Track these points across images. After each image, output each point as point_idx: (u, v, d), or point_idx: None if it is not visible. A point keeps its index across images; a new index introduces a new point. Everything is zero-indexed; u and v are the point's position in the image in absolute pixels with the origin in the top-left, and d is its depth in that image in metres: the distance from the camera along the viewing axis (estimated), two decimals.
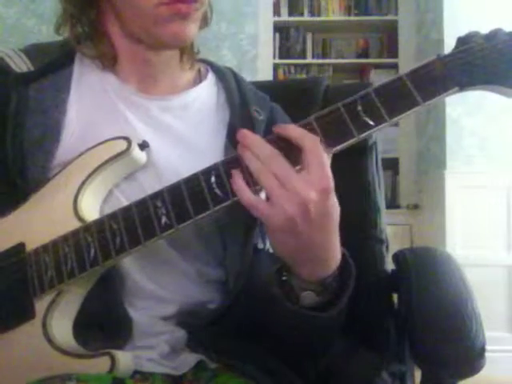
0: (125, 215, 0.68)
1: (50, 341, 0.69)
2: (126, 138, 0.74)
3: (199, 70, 0.90)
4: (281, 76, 3.64)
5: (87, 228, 0.69)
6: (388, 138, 3.21)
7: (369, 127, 0.62)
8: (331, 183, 0.60)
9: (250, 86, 0.92)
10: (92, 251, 0.68)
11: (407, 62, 3.39)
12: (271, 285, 0.68)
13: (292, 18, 3.68)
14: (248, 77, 0.98)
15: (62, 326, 0.71)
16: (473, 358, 0.76)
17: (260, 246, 0.82)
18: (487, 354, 0.76)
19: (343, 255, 0.68)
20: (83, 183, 0.73)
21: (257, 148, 0.62)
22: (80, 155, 0.75)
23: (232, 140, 0.80)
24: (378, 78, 3.41)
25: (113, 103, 0.80)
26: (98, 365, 0.66)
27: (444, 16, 2.83)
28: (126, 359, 0.68)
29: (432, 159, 3.05)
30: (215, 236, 0.79)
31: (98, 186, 0.74)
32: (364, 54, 3.74)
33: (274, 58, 3.61)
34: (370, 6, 3.67)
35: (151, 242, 0.67)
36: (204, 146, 0.81)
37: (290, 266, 0.66)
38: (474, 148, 2.77)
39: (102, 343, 0.70)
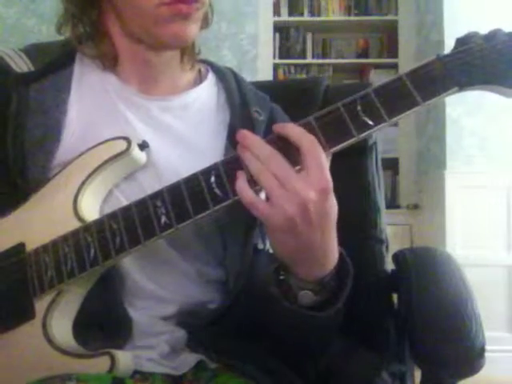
0: (125, 215, 0.68)
1: (49, 341, 0.69)
2: (126, 138, 0.74)
3: (199, 71, 0.90)
4: (281, 76, 3.64)
5: (87, 228, 0.70)
6: (388, 138, 3.22)
7: (368, 127, 0.62)
8: (330, 183, 0.61)
9: (250, 86, 0.92)
10: (92, 251, 0.68)
11: (407, 62, 3.39)
12: (269, 284, 0.68)
13: (292, 18, 3.68)
14: (248, 77, 0.98)
15: (62, 326, 0.71)
16: (473, 358, 0.76)
17: (260, 246, 0.82)
18: (487, 354, 0.76)
19: (341, 254, 0.68)
20: (83, 183, 0.73)
21: (256, 148, 0.62)
22: (80, 155, 0.75)
23: (232, 140, 0.80)
24: (377, 78, 3.41)
25: (113, 103, 0.80)
26: (98, 365, 0.66)
27: (444, 17, 2.83)
28: (125, 359, 0.68)
29: (432, 159, 3.05)
30: (215, 236, 0.79)
31: (98, 186, 0.74)
32: (364, 54, 3.74)
33: (274, 58, 3.61)
34: (370, 6, 3.67)
35: (151, 242, 0.67)
36: (204, 147, 0.81)
37: (288, 265, 0.67)
38: (473, 148, 2.77)
39: (101, 343, 0.70)
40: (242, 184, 0.62)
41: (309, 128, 0.63)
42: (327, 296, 0.68)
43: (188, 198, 0.65)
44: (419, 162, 3.30)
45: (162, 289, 0.77)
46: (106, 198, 0.75)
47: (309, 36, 3.73)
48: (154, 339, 0.75)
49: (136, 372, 0.71)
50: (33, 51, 0.83)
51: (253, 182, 0.62)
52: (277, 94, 0.95)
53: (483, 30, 0.65)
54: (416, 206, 3.24)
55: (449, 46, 0.64)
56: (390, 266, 1.02)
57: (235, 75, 0.91)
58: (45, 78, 0.80)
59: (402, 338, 0.93)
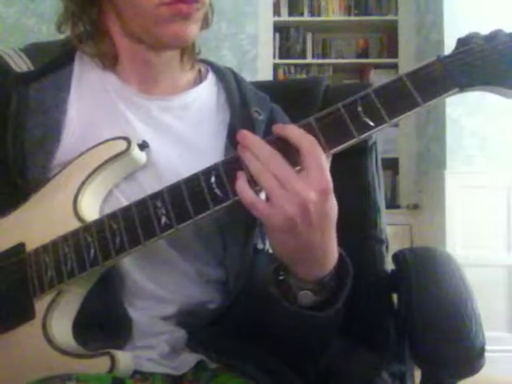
0: (125, 215, 0.68)
1: (49, 341, 0.69)
2: (126, 138, 0.74)
3: (199, 71, 0.90)
4: (281, 76, 3.64)
5: (87, 228, 0.69)
6: (388, 138, 3.21)
7: (369, 128, 0.62)
8: (330, 184, 0.61)
9: (250, 86, 0.92)
10: (92, 251, 0.68)
11: (407, 62, 3.39)
12: (269, 284, 0.68)
13: (292, 18, 3.68)
14: (248, 77, 0.98)
15: (62, 326, 0.71)
16: (473, 358, 0.76)
17: (260, 246, 0.82)
18: (487, 354, 0.76)
19: (340, 254, 0.68)
20: (83, 183, 0.73)
21: (256, 149, 0.62)
22: (80, 155, 0.75)
23: (232, 140, 0.80)
24: (377, 78, 3.41)
25: (113, 103, 0.80)
26: (98, 365, 0.66)
27: (444, 17, 2.83)
28: (125, 359, 0.68)
29: (432, 159, 3.05)
30: (215, 236, 0.79)
31: (98, 186, 0.74)
32: (364, 54, 3.74)
33: (274, 58, 3.61)
34: (370, 6, 3.67)
35: (151, 242, 0.67)
36: (204, 147, 0.81)
37: (288, 265, 0.67)
38: (473, 148, 2.77)
39: (101, 343, 0.70)
40: (242, 184, 0.62)
41: (309, 129, 0.63)
42: (327, 296, 0.68)
43: (188, 198, 0.65)
44: (419, 162, 3.30)
45: (162, 289, 0.77)
46: (106, 198, 0.75)
47: (309, 36, 3.72)
48: (153, 339, 0.75)
49: (136, 372, 0.71)
50: (33, 51, 0.83)
51: (253, 182, 0.62)
52: (277, 94, 0.95)
53: (483, 30, 0.65)
54: (416, 206, 3.24)
55: (449, 46, 0.64)
56: (390, 265, 1.02)
57: (235, 75, 0.91)
58: (45, 78, 0.80)
59: (401, 338, 0.93)
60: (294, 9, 3.68)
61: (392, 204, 3.35)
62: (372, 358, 0.88)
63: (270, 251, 0.79)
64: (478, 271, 2.44)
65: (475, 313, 0.79)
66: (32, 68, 0.80)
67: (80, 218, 0.71)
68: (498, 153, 2.75)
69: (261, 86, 0.95)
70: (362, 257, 0.97)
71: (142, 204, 0.68)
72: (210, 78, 0.89)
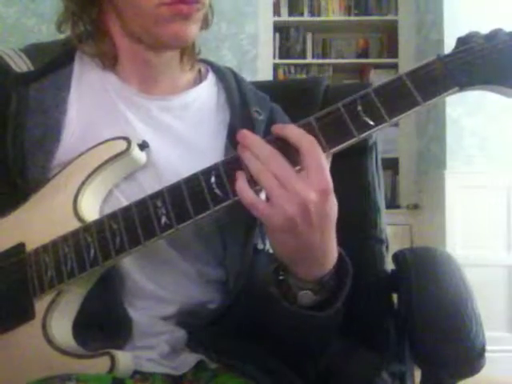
0: (125, 215, 0.68)
1: (49, 341, 0.69)
2: (126, 138, 0.74)
3: (199, 71, 0.90)
4: (281, 76, 3.64)
5: (87, 228, 0.69)
6: (388, 138, 3.21)
7: (369, 127, 0.62)
8: (330, 184, 0.61)
9: (250, 86, 0.92)
10: (92, 251, 0.68)
11: (407, 62, 3.39)
12: (269, 284, 0.68)
13: (292, 18, 3.68)
14: (248, 77, 0.98)
15: (62, 327, 0.71)
16: (473, 358, 0.76)
17: (260, 246, 0.82)
18: (487, 354, 0.76)
19: (339, 254, 0.68)
20: (83, 183, 0.73)
21: (256, 148, 0.62)
22: (80, 155, 0.75)
23: (232, 140, 0.80)
24: (377, 78, 3.41)
25: (113, 103, 0.80)
26: (98, 365, 0.66)
27: (444, 16, 2.83)
28: (125, 359, 0.68)
29: (432, 159, 3.05)
30: (215, 236, 0.79)
31: (98, 186, 0.74)
32: (364, 54, 3.74)
33: (274, 58, 3.61)
34: (370, 6, 3.67)
35: (151, 242, 0.67)
36: (204, 147, 0.81)
37: (288, 265, 0.67)
38: (474, 148, 2.77)
39: (101, 343, 0.70)
40: (241, 184, 0.62)
41: (309, 128, 0.63)
42: (327, 296, 0.68)
43: (188, 198, 0.65)
44: (419, 162, 3.30)
45: (162, 289, 0.77)
46: (106, 198, 0.75)
47: (309, 36, 3.72)
48: (153, 339, 0.75)
49: (136, 372, 0.70)
50: (32, 51, 0.83)
51: (253, 182, 0.62)
52: (277, 94, 0.95)
53: (483, 30, 0.65)
54: (416, 206, 3.24)
55: (449, 45, 0.64)
56: (390, 265, 1.02)
57: (235, 75, 0.91)
58: (44, 78, 0.80)
59: (401, 338, 0.93)
60: (294, 9, 3.68)
61: (392, 204, 3.35)
62: (372, 358, 0.88)
63: (271, 251, 0.79)
64: (478, 271, 2.45)
65: (475, 313, 0.79)
66: (32, 68, 0.80)
67: (80, 218, 0.71)
68: (498, 153, 2.75)
69: (261, 85, 0.95)
70: (361, 257, 0.97)
71: (142, 204, 0.68)
72: (210, 78, 0.89)
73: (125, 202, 0.72)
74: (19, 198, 0.76)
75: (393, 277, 0.99)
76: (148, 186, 0.74)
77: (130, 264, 0.74)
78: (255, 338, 0.74)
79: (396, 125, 3.20)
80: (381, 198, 1.06)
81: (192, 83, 0.88)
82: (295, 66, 3.70)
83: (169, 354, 0.75)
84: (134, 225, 0.67)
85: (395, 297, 0.96)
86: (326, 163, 0.61)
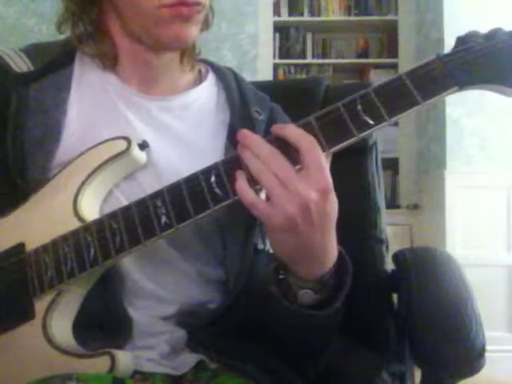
0: (125, 215, 0.68)
1: (49, 341, 0.69)
2: (126, 138, 0.74)
3: (200, 71, 0.90)
4: (281, 76, 3.64)
5: (87, 228, 0.69)
6: (388, 138, 3.21)
7: (369, 126, 0.62)
8: (330, 184, 0.61)
9: (250, 86, 0.92)
10: (92, 251, 0.68)
11: (407, 62, 3.39)
12: (269, 283, 0.68)
13: (292, 18, 3.68)
14: (248, 77, 0.98)
15: (62, 326, 0.71)
16: (473, 358, 0.76)
17: (260, 246, 0.82)
18: (487, 354, 0.76)
19: (339, 253, 0.68)
20: (83, 183, 0.73)
21: (257, 148, 0.62)
22: (80, 155, 0.75)
23: (232, 140, 0.80)
24: (377, 78, 3.41)
25: (113, 103, 0.80)
26: (98, 364, 0.66)
27: (444, 16, 2.83)
28: (125, 359, 0.68)
29: (432, 159, 3.05)
30: (215, 236, 0.79)
31: (98, 185, 0.74)
32: (364, 53, 3.74)
33: (274, 58, 3.61)
34: (370, 6, 3.67)
35: (151, 242, 0.67)
36: (204, 147, 0.81)
37: (288, 264, 0.67)
38: (474, 148, 2.77)
39: (101, 343, 0.70)
40: (242, 184, 0.62)
41: (309, 128, 0.63)
42: (327, 295, 0.68)
43: (188, 197, 0.65)
44: (419, 162, 3.30)
45: (161, 289, 0.77)
46: (106, 198, 0.75)
47: (309, 36, 3.72)
48: (153, 339, 0.75)
49: (136, 372, 0.70)
50: (33, 51, 0.83)
51: (253, 182, 0.62)
52: (277, 94, 0.95)
53: (483, 29, 0.65)
54: (416, 206, 3.24)
55: (449, 44, 0.64)
56: (390, 265, 1.02)
57: (235, 75, 0.91)
58: (45, 78, 0.80)
59: (401, 338, 0.93)
60: (294, 9, 3.68)
61: (392, 204, 3.35)
62: (372, 358, 0.88)
63: (271, 251, 0.79)
64: (478, 271, 2.44)
65: (475, 313, 0.79)
66: (32, 68, 0.80)
67: (80, 218, 0.71)
68: (498, 153, 2.75)
69: (261, 85, 0.95)
70: (362, 257, 0.97)
71: (141, 203, 0.68)
72: (210, 78, 0.89)
73: (125, 202, 0.72)
74: (19, 198, 0.76)
75: (393, 277, 0.99)
76: (148, 185, 0.74)
77: (129, 263, 0.75)
78: (255, 338, 0.74)
79: (396, 124, 3.20)
80: (381, 198, 1.06)
81: (192, 83, 0.88)
82: (295, 65, 3.70)
83: (169, 354, 0.75)
84: (134, 224, 0.67)
85: (395, 297, 0.96)
86: (325, 162, 0.61)
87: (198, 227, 0.77)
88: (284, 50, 3.69)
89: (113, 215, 0.69)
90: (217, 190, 0.64)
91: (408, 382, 0.92)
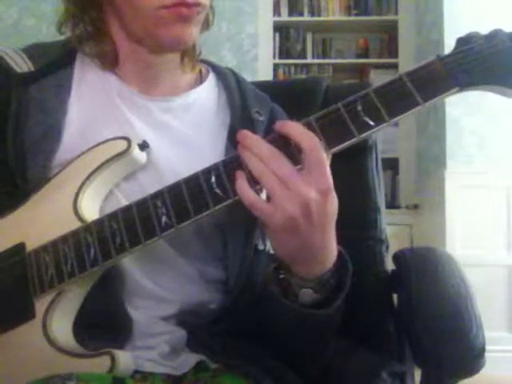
0: (125, 215, 0.68)
1: (50, 341, 0.69)
2: (126, 138, 0.74)
3: (200, 71, 0.90)
4: (281, 76, 3.64)
5: (87, 228, 0.69)
6: (388, 138, 3.22)
7: (369, 127, 0.62)
8: (331, 183, 0.61)
9: (251, 86, 0.92)
10: (92, 251, 0.68)
11: (407, 62, 3.39)
12: (269, 283, 0.68)
13: (292, 18, 3.68)
14: (248, 77, 0.98)
15: (62, 326, 0.71)
16: (473, 358, 0.76)
17: (260, 247, 0.82)
18: (487, 354, 0.76)
19: (339, 252, 0.68)
20: (83, 183, 0.73)
21: (257, 148, 0.62)
22: (80, 155, 0.75)
23: (233, 141, 0.80)
24: (377, 78, 3.41)
25: (114, 103, 0.80)
26: (98, 364, 0.66)
27: (444, 16, 2.83)
28: (126, 359, 0.68)
29: (432, 159, 3.05)
30: (216, 235, 0.79)
31: (98, 185, 0.74)
32: (364, 54, 3.74)
33: (274, 58, 3.61)
34: (370, 6, 3.67)
35: (151, 242, 0.67)
36: (204, 147, 0.81)
37: (289, 264, 0.67)
38: (474, 148, 2.77)
39: (101, 343, 0.70)
40: (242, 184, 0.62)
41: (309, 128, 0.63)
42: (327, 294, 0.68)
43: (188, 197, 0.65)
44: (419, 162, 3.30)
45: (162, 288, 0.76)
46: (107, 198, 0.75)
47: (309, 36, 3.72)
48: (154, 339, 0.75)
49: (136, 372, 0.70)
50: (33, 51, 0.83)
51: (253, 182, 0.62)
52: (277, 94, 0.95)
53: (483, 30, 0.65)
54: (416, 206, 3.24)
55: (449, 45, 0.64)
56: (390, 266, 1.02)
57: (236, 75, 0.91)
58: (45, 78, 0.80)
59: (401, 338, 0.93)
60: (293, 9, 3.69)
61: (392, 204, 3.35)
62: (372, 358, 0.88)
63: (271, 252, 0.80)
64: (478, 271, 2.45)
65: (475, 313, 0.79)
66: (32, 68, 0.80)
67: (80, 218, 0.71)
68: (498, 153, 2.75)
69: (261, 85, 0.95)
70: (362, 257, 0.97)
71: (142, 204, 0.68)
72: (211, 79, 0.89)
73: (125, 202, 0.72)
74: (19, 198, 0.76)
75: (393, 277, 0.99)
76: (148, 185, 0.74)
77: (130, 263, 0.74)
78: (255, 338, 0.74)
79: (396, 125, 3.20)
80: (381, 198, 1.06)
81: (193, 84, 0.88)
82: (295, 65, 3.70)
83: (169, 354, 0.75)
84: (135, 224, 0.67)
85: (395, 297, 0.96)
86: (326, 162, 0.61)
87: (198, 227, 0.77)
88: (284, 50, 3.69)
89: (113, 215, 0.69)
90: (217, 191, 0.64)
91: (408, 382, 0.92)
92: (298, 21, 3.69)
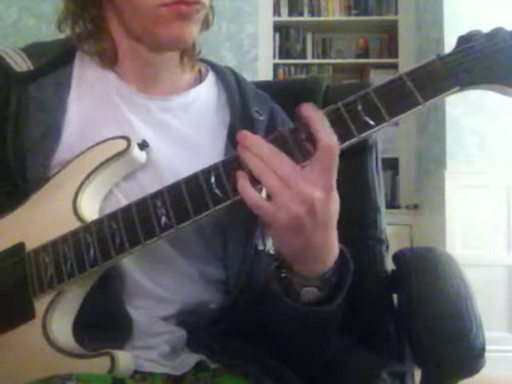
0: (124, 215, 0.68)
1: (49, 341, 0.69)
2: (126, 138, 0.74)
3: (200, 70, 0.90)
4: (281, 76, 3.64)
5: (87, 228, 0.69)
6: (388, 137, 3.21)
7: (369, 127, 0.62)
8: (334, 182, 0.61)
9: (251, 85, 0.92)
10: (91, 251, 0.68)
11: (407, 62, 3.39)
12: (271, 281, 0.68)
13: (292, 18, 3.68)
14: (248, 77, 0.98)
15: (62, 326, 0.71)
16: (473, 359, 0.76)
17: (260, 247, 0.82)
18: (487, 354, 0.76)
19: (341, 251, 0.68)
20: (83, 183, 0.73)
21: (257, 148, 0.62)
22: (80, 154, 0.75)
23: (232, 140, 0.80)
24: (377, 78, 3.41)
25: (113, 102, 0.80)
26: (98, 365, 0.66)
27: (444, 16, 2.83)
28: (125, 359, 0.68)
29: (432, 159, 3.05)
30: (216, 235, 0.79)
31: (98, 185, 0.74)
32: (364, 54, 3.74)
33: (274, 58, 3.61)
34: (370, 6, 3.67)
35: (151, 242, 0.67)
36: (204, 146, 0.81)
37: (291, 263, 0.67)
38: (474, 148, 2.77)
39: (101, 343, 0.69)
40: (244, 184, 0.62)
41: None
42: (328, 293, 0.68)
43: (188, 198, 0.65)
44: (419, 162, 3.30)
45: (162, 288, 0.76)
46: (106, 198, 0.75)
47: (309, 36, 3.73)
48: (154, 339, 0.75)
49: (136, 372, 0.70)
50: (33, 50, 0.83)
51: (254, 182, 0.62)
52: (277, 94, 0.95)
53: (484, 29, 0.65)
54: (416, 206, 3.24)
55: (449, 44, 0.64)
56: (390, 265, 1.02)
57: (235, 75, 0.91)
58: (45, 77, 0.80)
59: (401, 338, 0.93)
60: (293, 9, 3.69)
61: (392, 204, 3.35)
62: (372, 358, 0.88)
63: (271, 252, 0.80)
64: (478, 271, 2.45)
65: (475, 313, 0.79)
66: (32, 67, 0.80)
67: (80, 218, 0.71)
68: (498, 153, 2.75)
69: (261, 86, 0.95)
70: (362, 257, 0.97)
71: (141, 204, 0.68)
72: (210, 78, 0.89)
73: (125, 202, 0.72)
74: (19, 198, 0.76)
75: (393, 277, 0.99)
76: (148, 185, 0.74)
77: (129, 263, 0.74)
78: (255, 338, 0.74)
79: (396, 124, 3.19)
80: (381, 198, 1.06)
81: (192, 83, 0.88)
82: (295, 65, 3.70)
83: (169, 354, 0.75)
84: (134, 225, 0.67)
85: (395, 297, 0.96)
86: (336, 161, 0.61)
87: (198, 227, 0.76)
88: (284, 50, 3.69)
89: (112, 215, 0.69)
90: (216, 191, 0.64)
91: (408, 382, 0.92)
92: (298, 21, 3.69)
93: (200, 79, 0.89)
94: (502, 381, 2.35)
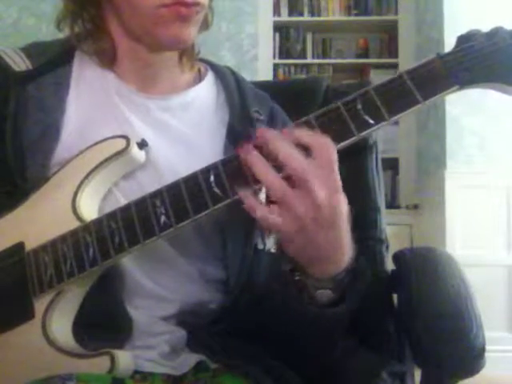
0: (124, 214, 0.68)
1: (49, 341, 0.68)
2: (125, 137, 0.74)
3: (199, 70, 0.90)
4: (281, 76, 3.64)
5: (86, 227, 0.69)
6: (388, 137, 3.22)
7: (369, 126, 0.62)
8: (340, 182, 0.60)
9: (250, 85, 0.92)
10: (91, 251, 0.68)
11: (407, 61, 3.39)
12: (287, 285, 0.67)
13: (292, 18, 3.69)
14: (248, 77, 0.98)
15: (62, 326, 0.71)
16: (473, 359, 0.76)
17: (260, 246, 0.81)
18: (487, 354, 0.76)
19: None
20: (82, 182, 0.73)
21: (278, 141, 0.61)
22: (79, 154, 0.75)
23: (231, 140, 0.80)
24: (377, 78, 3.36)
25: (112, 102, 0.80)
26: (98, 365, 0.66)
27: (444, 15, 2.83)
28: (125, 359, 0.68)
29: (432, 159, 3.05)
30: (215, 235, 0.79)
31: (97, 184, 0.74)
32: (364, 54, 3.75)
33: (274, 58, 3.61)
34: (370, 6, 3.67)
35: (150, 242, 0.67)
36: (203, 146, 0.81)
37: (304, 266, 0.66)
38: (474, 147, 2.77)
39: (101, 343, 0.69)
40: (250, 201, 0.61)
41: (309, 127, 0.62)
42: (341, 294, 0.67)
43: (187, 197, 0.65)
44: (419, 162, 3.30)
45: (161, 288, 0.76)
46: (105, 197, 0.75)
47: (309, 36, 3.73)
48: (153, 339, 0.75)
49: (136, 372, 0.70)
50: (32, 50, 0.83)
51: (253, 182, 0.62)
52: (277, 94, 0.94)
53: (484, 28, 0.65)
54: (416, 206, 3.24)
55: (449, 44, 0.64)
56: (390, 265, 1.02)
57: (234, 74, 0.91)
58: (44, 76, 0.80)
59: (401, 338, 0.93)
60: (293, 9, 3.69)
61: (392, 204, 3.35)
62: (372, 358, 0.88)
63: (271, 251, 0.79)
64: (478, 271, 2.45)
65: (475, 313, 0.79)
66: (30, 67, 0.80)
67: (79, 218, 0.71)
68: (498, 153, 2.75)
69: (261, 86, 0.95)
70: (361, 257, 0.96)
71: (141, 203, 0.67)
72: (209, 78, 0.89)
73: (124, 201, 0.72)
74: (19, 197, 0.76)
75: (393, 277, 0.99)
76: (147, 184, 0.74)
77: (129, 262, 0.74)
78: (255, 338, 0.74)
79: (396, 124, 3.20)
80: (381, 198, 1.06)
81: (191, 83, 0.88)
82: (295, 65, 3.70)
83: (169, 354, 0.75)
84: (133, 224, 0.67)
85: (395, 297, 0.96)
86: (336, 161, 0.60)
87: (198, 226, 0.76)
88: (284, 50, 3.69)
89: (112, 215, 0.69)
90: (216, 190, 0.64)
91: (408, 382, 0.92)
92: (298, 21, 3.69)
93: (199, 79, 0.89)
94: (502, 381, 2.35)
